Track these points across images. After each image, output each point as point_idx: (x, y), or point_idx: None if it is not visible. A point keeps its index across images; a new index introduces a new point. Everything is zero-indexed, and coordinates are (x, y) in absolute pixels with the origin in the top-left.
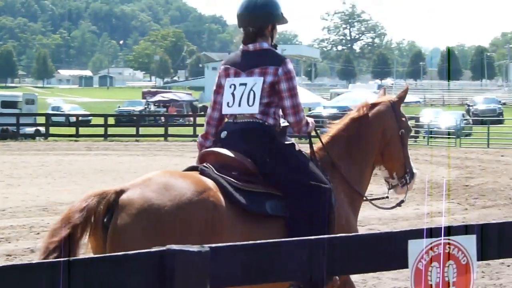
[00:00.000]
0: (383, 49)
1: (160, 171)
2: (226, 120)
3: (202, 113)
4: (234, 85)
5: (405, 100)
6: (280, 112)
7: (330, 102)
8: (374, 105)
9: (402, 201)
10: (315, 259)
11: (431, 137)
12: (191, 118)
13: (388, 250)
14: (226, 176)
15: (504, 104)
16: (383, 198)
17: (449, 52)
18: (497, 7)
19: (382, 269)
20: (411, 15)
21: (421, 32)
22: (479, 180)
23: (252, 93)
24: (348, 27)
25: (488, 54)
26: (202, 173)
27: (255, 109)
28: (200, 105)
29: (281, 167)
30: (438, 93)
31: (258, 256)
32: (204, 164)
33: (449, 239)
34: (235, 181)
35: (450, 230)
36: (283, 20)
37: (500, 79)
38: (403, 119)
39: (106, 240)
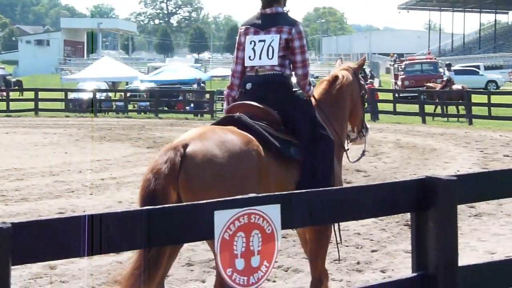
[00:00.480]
0: (200, 23)
1: (207, 126)
2: (247, 73)
3: (16, 87)
4: (254, 41)
5: (222, 74)
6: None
7: (147, 76)
8: (341, 72)
9: (364, 152)
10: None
11: None
12: (4, 93)
13: (194, 222)
14: (261, 124)
15: (317, 77)
16: (362, 155)
17: None
18: None
19: (188, 240)
20: None
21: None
22: None
23: (270, 48)
24: (165, 1)
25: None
26: (239, 120)
27: (274, 61)
28: (14, 79)
29: (298, 116)
30: None
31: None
32: (239, 114)
33: (254, 209)
34: (269, 128)
35: (255, 200)
36: None
37: (314, 53)
38: (362, 82)
39: (175, 187)
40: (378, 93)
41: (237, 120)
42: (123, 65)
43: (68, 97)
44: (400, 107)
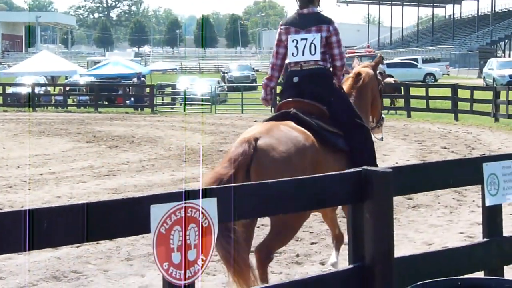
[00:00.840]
0: (140, 16)
1: (271, 122)
2: (291, 68)
3: None
4: (296, 40)
5: (162, 68)
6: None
7: (87, 70)
8: (362, 69)
9: (382, 139)
10: None
11: (187, 104)
12: None
13: (131, 216)
14: (313, 120)
15: (257, 71)
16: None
17: (203, 20)
18: None
19: (125, 235)
20: None
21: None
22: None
23: (313, 45)
24: None
25: (242, 22)
26: (295, 116)
27: (317, 56)
28: None
29: (340, 108)
30: (195, 61)
31: None
32: (294, 110)
33: (190, 203)
34: (320, 123)
35: (192, 194)
36: None
37: (254, 46)
38: (379, 77)
39: (248, 175)
40: None
41: (293, 115)
42: (62, 59)
43: (6, 92)
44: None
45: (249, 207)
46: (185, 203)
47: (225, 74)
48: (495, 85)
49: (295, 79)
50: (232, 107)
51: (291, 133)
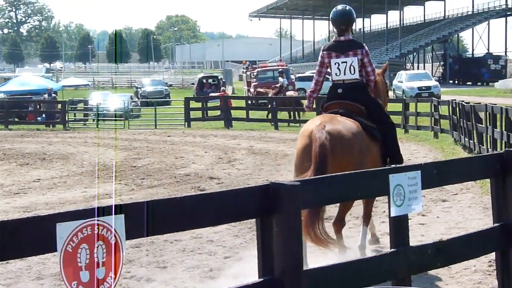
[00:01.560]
0: (51, 32)
1: (329, 115)
2: (334, 82)
3: None
4: (338, 63)
5: (74, 83)
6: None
7: None
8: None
9: None
10: None
11: (100, 119)
12: None
13: (36, 235)
14: (355, 116)
15: (171, 85)
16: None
17: (115, 35)
18: None
19: (30, 254)
20: None
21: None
22: (146, 160)
23: (352, 67)
24: (14, 10)
25: (155, 37)
26: (343, 114)
27: (356, 75)
28: None
29: (373, 108)
30: (107, 76)
31: None
32: (341, 110)
33: (97, 220)
34: (361, 118)
35: (99, 211)
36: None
37: (167, 61)
38: (386, 81)
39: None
40: (231, 100)
41: (341, 113)
42: None
43: None
44: (253, 114)
45: (161, 223)
46: (91, 220)
47: (138, 89)
48: (404, 97)
49: (339, 90)
50: (145, 122)
51: (347, 122)
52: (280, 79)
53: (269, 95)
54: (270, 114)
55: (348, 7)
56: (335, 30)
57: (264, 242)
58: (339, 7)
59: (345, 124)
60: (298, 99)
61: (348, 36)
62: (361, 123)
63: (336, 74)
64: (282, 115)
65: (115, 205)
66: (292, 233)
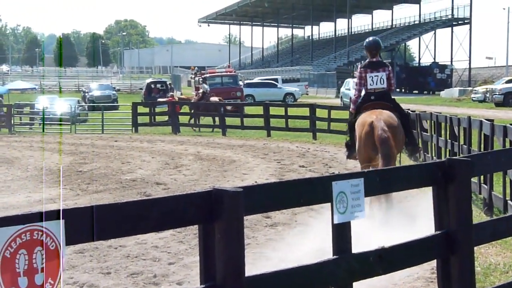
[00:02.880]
0: None
1: (377, 110)
2: (367, 91)
3: None
4: (372, 76)
5: (21, 87)
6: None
7: None
8: None
9: None
10: None
11: (46, 123)
12: None
13: None
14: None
15: (119, 90)
16: None
17: (61, 40)
18: None
19: None
20: (26, 1)
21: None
22: (92, 165)
23: (381, 79)
24: None
25: (103, 41)
26: (381, 110)
27: (384, 85)
28: None
29: (397, 105)
30: (54, 80)
31: None
32: (378, 107)
33: (36, 226)
34: (393, 112)
35: (38, 216)
36: (382, 48)
37: (115, 66)
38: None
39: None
40: (179, 106)
41: (380, 108)
42: None
43: None
44: (201, 120)
45: (103, 228)
46: (31, 226)
47: (86, 94)
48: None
49: (372, 97)
50: (92, 127)
51: (390, 113)
52: (205, 85)
53: (192, 101)
54: (192, 119)
55: (377, 39)
56: (367, 53)
57: (206, 248)
58: (371, 38)
59: (390, 114)
60: (221, 105)
61: (378, 58)
62: (395, 114)
63: (370, 84)
64: (205, 120)
65: (57, 211)
66: (234, 239)
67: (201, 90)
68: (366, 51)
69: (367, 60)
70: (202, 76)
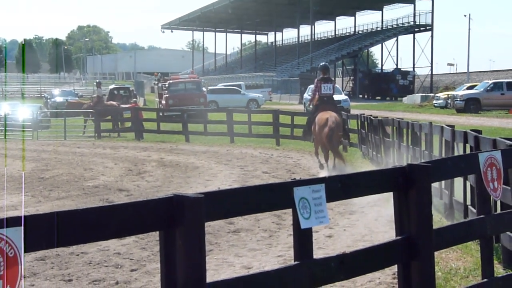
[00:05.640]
0: None
1: (329, 112)
2: (321, 95)
3: None
4: (324, 86)
5: None
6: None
7: None
8: None
9: None
10: None
11: (7, 130)
12: None
13: None
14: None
15: (82, 96)
16: None
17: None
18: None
19: None
20: None
21: None
22: (55, 172)
23: (330, 88)
24: None
25: (66, 47)
26: (332, 111)
27: (331, 92)
28: None
29: (337, 108)
30: (16, 86)
31: None
32: (329, 109)
33: None
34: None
35: (1, 223)
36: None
37: (78, 72)
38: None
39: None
40: (143, 112)
41: (332, 110)
42: None
43: None
44: (164, 126)
45: (63, 235)
46: None
47: (48, 100)
48: None
49: (325, 98)
50: (55, 133)
51: (336, 115)
52: (99, 89)
53: (84, 106)
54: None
55: (327, 64)
56: (321, 72)
57: (167, 254)
58: (323, 63)
59: (336, 115)
60: (123, 109)
61: (327, 75)
62: (339, 114)
63: (322, 90)
64: (104, 125)
65: (17, 217)
66: (196, 245)
67: (95, 94)
68: (319, 70)
69: (320, 76)
70: (96, 81)
